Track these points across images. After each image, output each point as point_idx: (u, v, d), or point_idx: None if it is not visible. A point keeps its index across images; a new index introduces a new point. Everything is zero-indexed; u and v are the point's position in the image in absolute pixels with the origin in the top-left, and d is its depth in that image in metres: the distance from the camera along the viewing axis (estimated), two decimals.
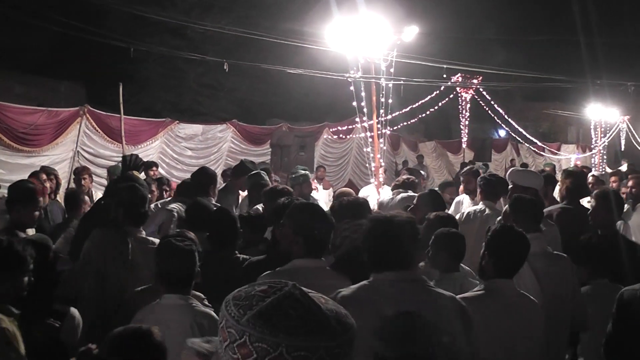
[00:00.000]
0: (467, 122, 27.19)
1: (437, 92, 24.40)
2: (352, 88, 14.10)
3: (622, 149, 44.35)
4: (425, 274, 4.55)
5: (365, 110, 14.26)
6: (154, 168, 13.12)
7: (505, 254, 4.51)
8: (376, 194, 11.53)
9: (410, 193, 9.10)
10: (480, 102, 27.55)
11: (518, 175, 7.89)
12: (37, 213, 6.62)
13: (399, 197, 9.13)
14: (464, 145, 27.96)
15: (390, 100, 14.89)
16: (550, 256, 5.49)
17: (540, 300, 4.85)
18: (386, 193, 10.64)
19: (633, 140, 44.60)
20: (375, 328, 3.25)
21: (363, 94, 14.13)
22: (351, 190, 9.41)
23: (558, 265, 5.38)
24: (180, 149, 18.55)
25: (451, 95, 25.87)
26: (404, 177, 10.33)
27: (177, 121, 18.62)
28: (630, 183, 9.30)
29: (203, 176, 8.45)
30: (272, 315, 1.66)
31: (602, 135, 37.30)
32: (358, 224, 5.17)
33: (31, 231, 6.66)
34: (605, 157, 37.69)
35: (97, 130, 15.57)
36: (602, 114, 36.77)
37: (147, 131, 17.21)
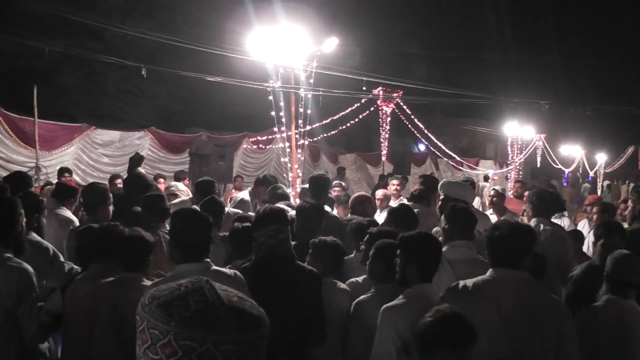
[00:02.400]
0: (387, 136, 27.34)
1: (358, 104, 24.51)
2: (271, 98, 14.04)
3: (539, 166, 45.50)
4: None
5: (284, 120, 14.21)
6: (66, 174, 12.90)
7: (428, 259, 4.80)
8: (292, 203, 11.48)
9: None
10: (401, 116, 27.76)
11: (450, 187, 7.97)
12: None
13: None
14: (383, 158, 28.10)
15: (309, 111, 14.88)
16: (475, 262, 5.57)
17: None
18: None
19: (549, 158, 45.77)
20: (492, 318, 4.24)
21: (282, 104, 14.09)
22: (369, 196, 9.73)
23: (479, 271, 5.20)
24: (96, 156, 18.26)
25: (372, 108, 25.98)
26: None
27: (94, 127, 18.31)
28: None
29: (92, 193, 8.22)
30: (173, 305, 1.69)
31: (519, 152, 38.09)
32: (273, 229, 5.20)
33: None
34: (521, 172, 38.48)
35: (9, 135, 15.17)
36: (518, 131, 37.62)
37: (62, 136, 16.87)
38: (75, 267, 6.17)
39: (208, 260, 4.90)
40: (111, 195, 8.33)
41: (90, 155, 17.97)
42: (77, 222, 8.04)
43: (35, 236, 6.14)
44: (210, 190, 9.06)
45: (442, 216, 5.99)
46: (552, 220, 8.33)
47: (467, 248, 5.70)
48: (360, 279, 5.93)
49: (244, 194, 11.52)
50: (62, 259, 6.33)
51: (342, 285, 5.70)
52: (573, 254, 7.91)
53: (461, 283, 4.59)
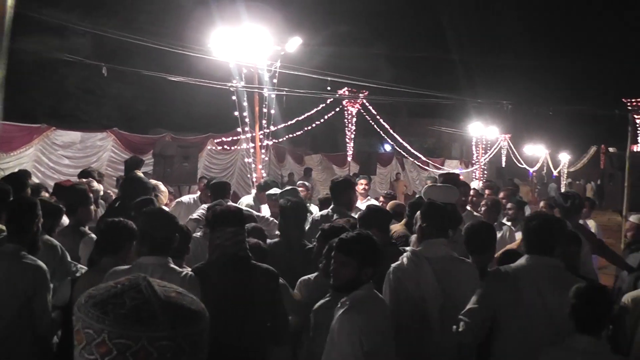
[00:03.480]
0: (353, 136, 27.31)
1: (323, 105, 24.45)
2: (234, 98, 13.91)
3: (504, 165, 45.89)
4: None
5: (247, 120, 14.08)
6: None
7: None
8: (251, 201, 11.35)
9: None
10: (367, 116, 27.73)
11: (434, 192, 7.91)
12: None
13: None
14: (349, 159, 28.08)
15: (273, 111, 14.76)
16: (453, 260, 5.64)
17: (441, 300, 5.30)
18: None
19: (513, 157, 46.16)
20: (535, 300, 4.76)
21: (246, 104, 13.95)
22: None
23: (459, 268, 5.58)
24: (56, 157, 17.86)
25: (337, 109, 25.93)
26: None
27: (54, 127, 17.93)
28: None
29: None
30: (108, 303, 1.66)
31: (483, 152, 38.34)
32: (230, 231, 5.14)
33: None
34: (486, 172, 38.71)
35: None
36: (483, 131, 37.88)
37: (20, 137, 16.48)
38: (83, 267, 6.34)
39: (169, 258, 5.01)
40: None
41: (50, 157, 17.58)
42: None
43: (46, 236, 6.34)
44: (224, 193, 9.20)
45: (418, 214, 5.88)
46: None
47: (443, 245, 5.69)
48: (312, 276, 5.92)
49: (248, 199, 11.33)
50: (69, 258, 6.55)
51: None
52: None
53: (502, 269, 5.12)
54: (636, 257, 7.67)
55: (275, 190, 9.91)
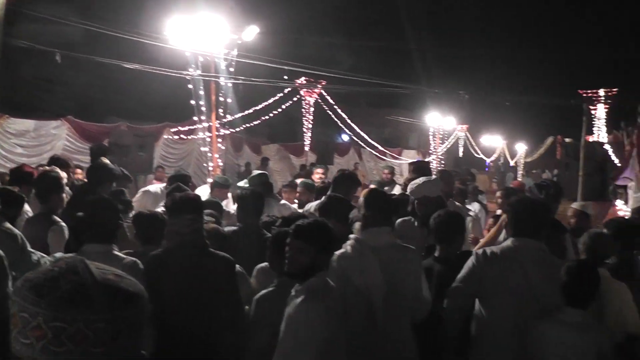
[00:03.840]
0: (310, 126, 27.29)
1: (281, 94, 24.41)
2: (190, 86, 13.80)
3: (461, 156, 46.25)
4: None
5: (204, 109, 13.97)
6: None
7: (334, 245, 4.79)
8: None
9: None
10: (324, 106, 27.71)
11: (421, 189, 7.75)
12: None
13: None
14: (307, 149, 28.07)
15: (229, 100, 14.66)
16: (399, 247, 5.57)
17: (384, 288, 5.21)
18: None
19: (470, 148, 46.52)
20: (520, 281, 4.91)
21: (202, 92, 13.85)
22: None
23: (404, 256, 5.50)
24: (9, 146, 17.63)
25: (295, 99, 25.90)
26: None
27: (7, 116, 17.66)
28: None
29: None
30: (44, 286, 1.65)
31: (441, 142, 38.58)
32: (188, 219, 5.12)
33: None
34: (443, 162, 38.95)
35: None
36: (440, 121, 38.10)
37: None
38: (45, 256, 6.14)
39: (113, 245, 5.19)
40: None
41: (3, 145, 17.35)
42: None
43: (7, 224, 6.20)
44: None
45: (361, 201, 5.84)
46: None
47: (387, 234, 5.62)
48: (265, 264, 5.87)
49: (204, 189, 11.22)
50: (29, 247, 6.29)
51: None
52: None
53: (488, 250, 5.20)
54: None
55: (244, 182, 9.99)
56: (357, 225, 5.97)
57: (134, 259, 5.12)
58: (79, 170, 13.18)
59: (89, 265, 1.72)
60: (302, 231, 4.47)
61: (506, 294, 4.96)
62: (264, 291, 5.08)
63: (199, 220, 5.24)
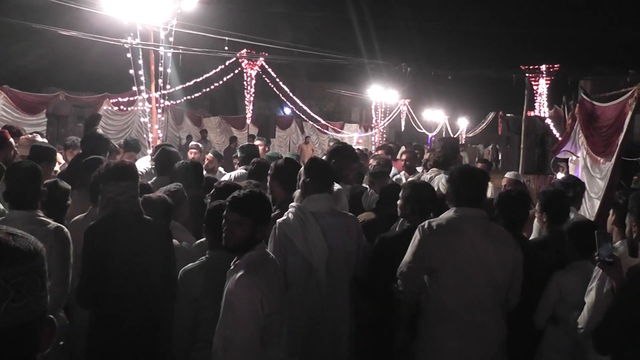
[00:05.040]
0: (252, 99, 27.19)
1: (222, 66, 24.27)
2: (129, 55, 13.59)
3: (403, 130, 46.56)
4: None
5: (143, 79, 13.79)
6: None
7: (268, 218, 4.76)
8: (148, 165, 11.11)
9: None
10: (266, 79, 27.63)
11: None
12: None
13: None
14: (248, 122, 27.99)
15: (169, 70, 14.47)
16: (337, 214, 5.71)
17: (327, 254, 5.35)
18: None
19: (412, 122, 46.86)
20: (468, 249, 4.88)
21: (141, 62, 13.65)
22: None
23: (343, 222, 5.65)
24: None
25: (236, 71, 25.76)
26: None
27: None
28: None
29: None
30: None
31: (383, 116, 38.74)
32: (122, 186, 5.10)
33: None
34: (385, 136, 39.14)
35: None
36: (382, 95, 38.23)
37: None
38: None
39: (37, 210, 5.29)
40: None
41: None
42: None
43: None
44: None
45: (302, 170, 5.85)
46: None
47: (327, 200, 5.67)
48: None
49: (144, 161, 10.98)
50: None
51: None
52: None
53: (433, 222, 5.06)
54: None
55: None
56: (297, 193, 5.93)
57: (57, 224, 5.25)
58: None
59: None
60: (239, 203, 4.40)
61: (456, 266, 4.90)
62: (189, 265, 5.03)
63: (134, 187, 5.21)
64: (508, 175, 10.05)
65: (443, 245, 4.94)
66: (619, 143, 10.29)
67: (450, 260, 4.92)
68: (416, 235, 5.05)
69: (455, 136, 61.59)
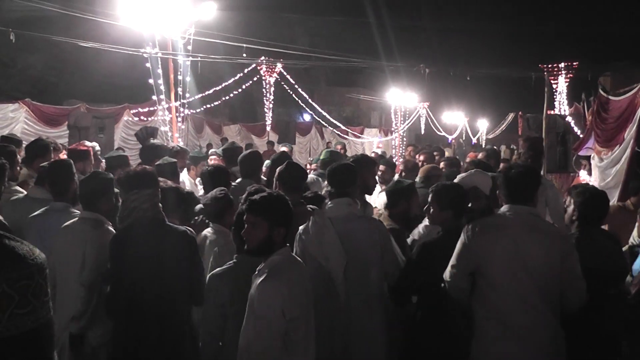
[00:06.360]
0: (271, 106, 27.23)
1: (241, 74, 24.34)
2: (148, 65, 13.67)
3: (423, 133, 46.39)
4: None
5: (162, 88, 13.86)
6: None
7: (293, 220, 4.74)
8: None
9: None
10: (285, 85, 27.67)
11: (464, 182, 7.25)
12: None
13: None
14: (268, 128, 28.04)
15: (188, 79, 14.54)
16: (355, 219, 5.60)
17: (344, 259, 5.28)
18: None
19: (432, 125, 46.69)
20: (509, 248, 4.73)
21: (160, 71, 13.72)
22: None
23: (364, 227, 5.53)
24: None
25: (255, 79, 25.83)
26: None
27: None
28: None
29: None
30: None
31: (402, 119, 38.63)
32: (146, 194, 5.07)
33: None
34: (405, 139, 39.00)
35: None
36: (401, 98, 38.12)
37: None
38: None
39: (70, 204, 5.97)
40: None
41: None
42: None
43: None
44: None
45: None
46: None
47: (347, 205, 5.64)
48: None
49: None
50: None
51: None
52: None
53: (479, 223, 5.00)
54: None
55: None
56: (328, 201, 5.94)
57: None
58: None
59: None
60: (255, 205, 4.40)
61: (499, 266, 4.80)
62: (217, 269, 5.02)
63: (157, 194, 5.18)
64: None
65: (486, 246, 4.85)
66: (634, 133, 10.32)
67: (493, 260, 4.83)
68: (461, 237, 5.00)
69: (475, 138, 61.48)
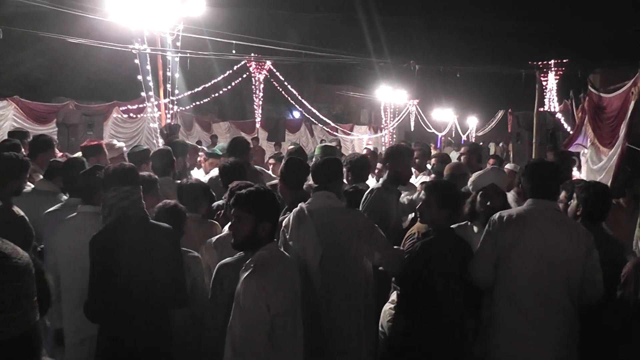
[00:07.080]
0: (260, 103, 27.22)
1: (230, 71, 24.31)
2: (137, 61, 13.61)
3: (412, 130, 46.43)
4: None
5: (151, 85, 13.81)
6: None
7: (278, 215, 4.80)
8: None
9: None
10: (274, 82, 27.66)
11: (480, 180, 6.65)
12: None
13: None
14: (257, 126, 28.03)
15: (177, 75, 14.49)
16: (334, 211, 5.54)
17: (320, 250, 5.22)
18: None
19: (421, 122, 46.74)
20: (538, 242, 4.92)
21: (149, 67, 13.68)
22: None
23: (341, 219, 5.48)
24: None
25: (244, 75, 25.80)
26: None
27: None
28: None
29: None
30: None
31: (392, 116, 38.65)
32: (124, 191, 4.99)
33: None
34: (395, 136, 39.03)
35: None
36: (391, 96, 38.14)
37: None
38: None
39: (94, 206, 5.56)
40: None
41: None
42: None
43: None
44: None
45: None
46: None
47: (326, 197, 5.60)
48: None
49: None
50: None
51: None
52: None
53: (505, 214, 5.17)
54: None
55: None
56: None
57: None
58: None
59: None
60: (240, 199, 4.41)
61: (523, 258, 4.95)
62: (227, 259, 4.98)
63: (137, 191, 5.08)
64: (508, 166, 10.43)
65: (511, 238, 5.01)
66: (623, 130, 10.35)
67: (517, 252, 4.98)
68: (487, 228, 5.19)
69: (465, 135, 61.58)
